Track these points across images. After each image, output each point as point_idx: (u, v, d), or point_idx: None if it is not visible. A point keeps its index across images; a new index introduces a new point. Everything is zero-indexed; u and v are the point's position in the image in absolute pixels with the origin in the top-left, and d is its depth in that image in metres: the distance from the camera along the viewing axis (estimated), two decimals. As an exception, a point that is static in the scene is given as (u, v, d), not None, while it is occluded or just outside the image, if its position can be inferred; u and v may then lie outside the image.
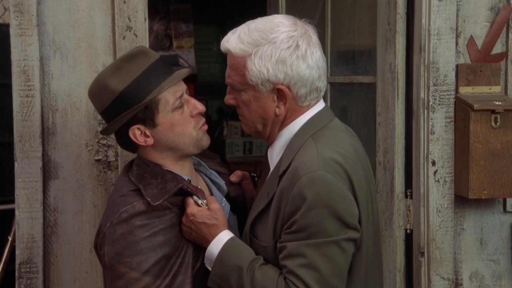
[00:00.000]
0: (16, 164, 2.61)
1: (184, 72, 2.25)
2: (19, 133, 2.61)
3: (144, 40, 2.67)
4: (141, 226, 2.10)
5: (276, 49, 2.09)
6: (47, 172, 2.66)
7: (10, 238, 3.17)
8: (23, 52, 2.59)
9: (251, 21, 2.17)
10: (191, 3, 5.99)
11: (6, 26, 2.87)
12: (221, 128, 5.87)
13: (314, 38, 2.15)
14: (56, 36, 2.64)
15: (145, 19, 2.68)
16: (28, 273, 2.64)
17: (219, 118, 6.04)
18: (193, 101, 2.25)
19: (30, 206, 2.62)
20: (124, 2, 2.64)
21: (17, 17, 2.58)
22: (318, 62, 2.13)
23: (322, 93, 2.20)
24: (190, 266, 2.16)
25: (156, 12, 5.90)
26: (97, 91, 2.22)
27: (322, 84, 2.17)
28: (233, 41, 2.13)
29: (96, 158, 2.68)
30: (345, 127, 2.27)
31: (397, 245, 2.84)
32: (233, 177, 2.46)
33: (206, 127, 2.27)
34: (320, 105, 2.21)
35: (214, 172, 2.42)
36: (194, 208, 2.17)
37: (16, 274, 2.65)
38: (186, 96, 2.24)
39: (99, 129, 2.66)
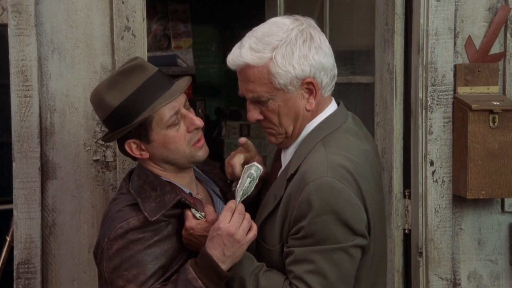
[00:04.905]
0: (14, 164, 2.61)
1: (180, 86, 2.21)
2: (17, 133, 2.61)
3: (142, 40, 2.67)
4: (136, 240, 2.12)
5: (294, 45, 2.08)
6: (45, 172, 2.65)
7: (8, 239, 3.17)
8: (21, 52, 2.59)
9: (251, 31, 2.14)
10: (190, 3, 5.99)
11: (4, 26, 2.87)
12: (220, 128, 5.87)
13: (318, 27, 2.17)
14: (54, 36, 2.64)
15: (143, 19, 2.68)
16: (26, 274, 2.64)
17: (218, 118, 6.04)
18: (191, 116, 2.21)
19: (28, 206, 2.62)
20: (122, 2, 2.64)
21: (15, 17, 2.58)
22: (330, 49, 2.15)
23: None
24: None
25: (154, 12, 5.89)
26: (95, 103, 2.23)
27: (336, 71, 2.18)
28: (247, 53, 2.09)
29: (94, 158, 2.68)
30: (358, 127, 2.24)
31: (395, 245, 2.84)
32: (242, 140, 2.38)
33: (201, 143, 2.24)
34: (334, 105, 2.20)
35: (208, 179, 2.42)
36: (193, 221, 2.15)
37: (14, 275, 2.64)
38: (183, 111, 2.21)
39: (97, 129, 2.66)
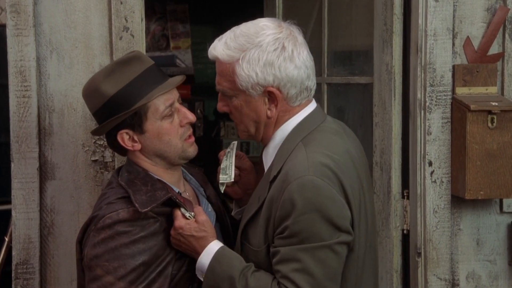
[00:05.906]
0: (12, 164, 2.61)
1: (176, 80, 2.26)
2: (16, 133, 2.61)
3: (141, 41, 2.67)
4: (123, 232, 2.13)
5: (263, 52, 2.10)
6: (44, 172, 2.65)
7: (6, 239, 3.17)
8: (19, 52, 2.59)
9: (236, 26, 2.19)
10: (188, 4, 5.98)
11: (3, 27, 2.87)
12: (218, 128, 5.87)
13: (300, 38, 2.16)
14: (53, 37, 2.64)
15: (142, 20, 2.68)
16: (24, 274, 2.63)
17: (216, 119, 6.03)
18: (184, 110, 2.26)
19: (26, 206, 2.62)
20: (121, 3, 2.64)
21: (14, 17, 2.58)
22: (306, 62, 2.14)
23: (313, 92, 2.21)
24: (169, 276, 2.17)
25: (153, 13, 5.88)
26: (89, 93, 2.24)
27: (312, 83, 2.18)
28: (220, 48, 2.16)
29: (92, 158, 2.68)
30: (339, 127, 2.26)
31: (393, 245, 2.84)
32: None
33: (192, 139, 2.28)
34: (311, 106, 2.21)
35: (192, 178, 2.44)
36: (182, 221, 2.17)
37: (12, 275, 2.64)
38: (177, 105, 2.25)
39: (96, 129, 2.66)
